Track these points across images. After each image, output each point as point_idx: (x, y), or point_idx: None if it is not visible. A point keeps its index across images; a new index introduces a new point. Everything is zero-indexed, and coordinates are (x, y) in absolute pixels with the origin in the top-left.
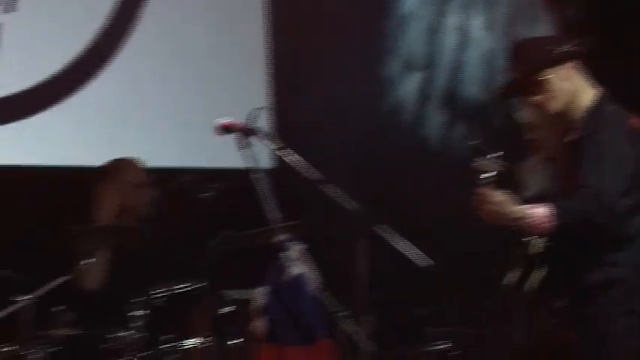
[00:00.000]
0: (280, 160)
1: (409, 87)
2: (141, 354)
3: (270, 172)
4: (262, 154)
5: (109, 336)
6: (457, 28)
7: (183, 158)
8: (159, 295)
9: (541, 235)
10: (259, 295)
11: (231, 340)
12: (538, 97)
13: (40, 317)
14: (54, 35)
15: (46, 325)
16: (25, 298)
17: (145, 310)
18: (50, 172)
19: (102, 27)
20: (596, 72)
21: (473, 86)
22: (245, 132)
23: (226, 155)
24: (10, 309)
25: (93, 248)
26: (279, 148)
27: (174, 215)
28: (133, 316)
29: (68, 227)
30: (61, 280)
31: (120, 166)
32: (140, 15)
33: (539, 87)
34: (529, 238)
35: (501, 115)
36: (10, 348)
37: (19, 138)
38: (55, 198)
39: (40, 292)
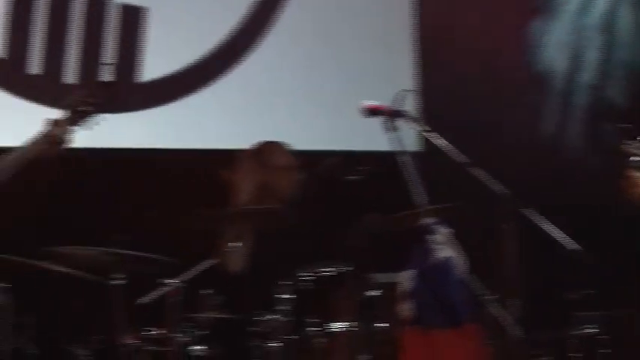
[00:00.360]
0: (427, 143)
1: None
2: (287, 337)
3: (416, 155)
4: (409, 137)
5: (256, 319)
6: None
7: (330, 141)
8: (305, 279)
9: None
10: (406, 278)
11: (376, 324)
12: None
13: (188, 301)
14: (201, 19)
15: (194, 308)
16: (173, 282)
17: (292, 293)
18: (195, 156)
19: (249, 11)
20: None
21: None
22: (392, 114)
23: (373, 138)
24: (159, 292)
25: (239, 232)
26: (426, 131)
27: (320, 198)
28: (280, 299)
29: (214, 210)
30: (208, 263)
31: (267, 149)
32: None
33: None
34: None
35: None
36: (159, 331)
37: (166, 122)
38: (201, 181)
39: (189, 275)
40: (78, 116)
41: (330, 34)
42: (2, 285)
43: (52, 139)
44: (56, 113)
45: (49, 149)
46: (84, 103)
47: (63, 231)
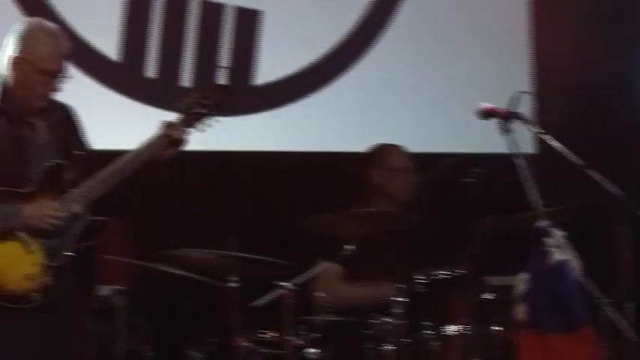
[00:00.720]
0: (542, 145)
1: None
2: (401, 340)
3: (531, 157)
4: (524, 139)
5: (370, 322)
6: None
7: (446, 143)
8: (420, 282)
9: None
10: (521, 281)
11: (491, 327)
12: None
13: (302, 303)
14: (315, 22)
15: (308, 311)
16: (288, 284)
17: (406, 296)
18: (311, 158)
19: (363, 13)
20: None
21: None
22: (507, 116)
23: (489, 140)
24: (274, 295)
25: (355, 234)
26: (541, 133)
27: (436, 201)
28: (394, 302)
29: (330, 213)
30: (322, 266)
31: (385, 151)
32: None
33: None
34: None
35: None
36: (273, 334)
37: (281, 124)
38: (314, 184)
39: (303, 278)
40: (192, 119)
41: (447, 35)
42: (117, 287)
43: (166, 141)
44: (171, 116)
45: (164, 152)
46: (199, 106)
47: (178, 234)
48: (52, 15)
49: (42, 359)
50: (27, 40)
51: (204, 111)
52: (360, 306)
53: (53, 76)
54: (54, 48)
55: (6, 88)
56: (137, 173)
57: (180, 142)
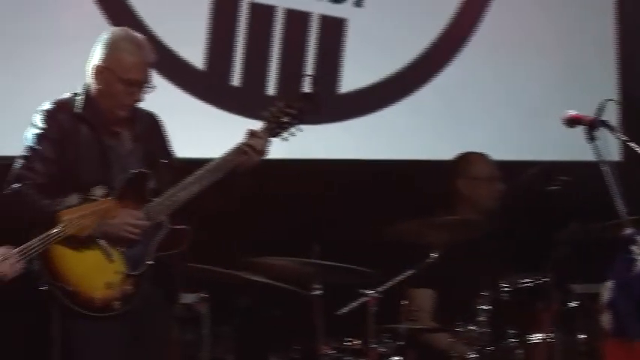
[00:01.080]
0: (628, 153)
1: None
2: (486, 348)
3: (618, 165)
4: (610, 147)
5: (454, 330)
6: None
7: (530, 151)
8: (505, 289)
9: None
10: (606, 289)
11: (576, 335)
12: None
13: (386, 311)
14: (399, 31)
15: (392, 319)
16: (372, 292)
17: (491, 304)
18: (394, 167)
19: (448, 22)
20: None
21: None
22: (593, 124)
23: (574, 148)
24: (358, 303)
25: (439, 242)
26: (627, 141)
27: (521, 209)
28: (479, 310)
29: (413, 221)
30: (406, 274)
31: (470, 160)
32: (487, 8)
33: None
34: None
35: None
36: (357, 342)
37: (365, 133)
38: (397, 192)
39: (387, 286)
40: (277, 128)
41: (532, 43)
42: (201, 295)
43: (249, 150)
44: (256, 124)
45: (247, 161)
46: (283, 115)
47: (261, 241)
48: (138, 24)
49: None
50: (111, 49)
51: (288, 120)
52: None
53: (136, 85)
54: (138, 57)
55: (90, 97)
56: (220, 181)
57: (263, 151)
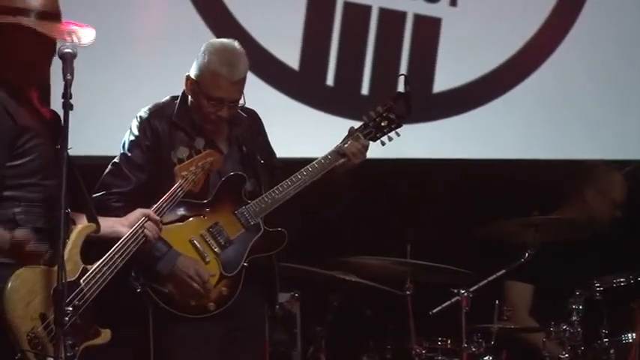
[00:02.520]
0: None
1: None
2: (580, 348)
3: None
4: None
5: (548, 329)
6: None
7: (625, 150)
8: (599, 289)
9: None
10: None
11: None
12: None
13: (478, 311)
14: (493, 30)
15: (484, 318)
16: (464, 292)
17: (584, 303)
18: (489, 166)
19: (543, 21)
20: None
21: None
22: None
23: None
24: (450, 302)
25: (534, 242)
26: None
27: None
28: (573, 309)
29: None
30: (499, 273)
31: (608, 175)
32: (582, 7)
33: None
34: None
35: None
36: (449, 342)
37: (460, 132)
38: (492, 191)
39: (480, 285)
40: (376, 132)
41: (626, 41)
42: (293, 294)
43: (349, 152)
44: (350, 124)
45: (347, 163)
46: (383, 119)
47: (355, 241)
48: (234, 25)
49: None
50: (203, 63)
51: (387, 125)
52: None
53: (221, 103)
54: (226, 77)
55: (185, 104)
56: (317, 183)
57: (363, 154)
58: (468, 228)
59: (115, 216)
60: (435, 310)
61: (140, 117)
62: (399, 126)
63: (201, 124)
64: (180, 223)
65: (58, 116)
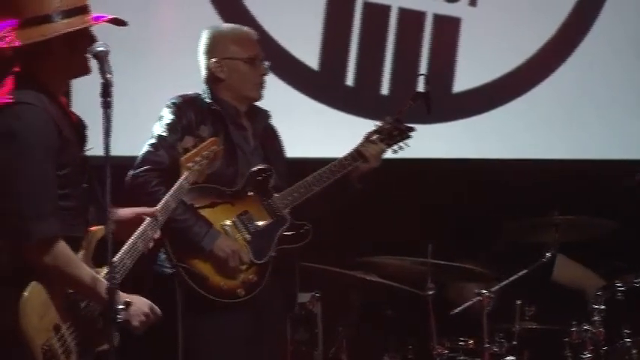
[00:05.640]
0: None
1: None
2: (601, 348)
3: None
4: None
5: (569, 330)
6: None
7: None
8: (619, 289)
9: None
10: None
11: None
12: None
13: (500, 311)
14: (513, 29)
15: (506, 318)
16: (486, 292)
17: (606, 303)
18: (508, 166)
19: (563, 21)
20: None
21: None
22: None
23: None
24: (471, 302)
25: (559, 241)
26: None
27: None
28: (595, 309)
29: (530, 219)
30: (520, 273)
31: None
32: (602, 6)
33: None
34: None
35: None
36: (470, 342)
37: (480, 131)
38: (511, 191)
39: (501, 285)
40: (388, 139)
41: None
42: (314, 294)
43: (368, 155)
44: (370, 124)
45: (364, 165)
46: (394, 129)
47: (375, 241)
48: (253, 24)
49: (244, 351)
50: (218, 41)
51: (398, 134)
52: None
53: (257, 60)
54: (245, 37)
55: (214, 95)
56: (336, 182)
57: (379, 158)
58: (489, 228)
59: (155, 194)
60: (456, 310)
61: (172, 103)
62: (409, 137)
63: (246, 98)
64: (211, 209)
65: (83, 121)
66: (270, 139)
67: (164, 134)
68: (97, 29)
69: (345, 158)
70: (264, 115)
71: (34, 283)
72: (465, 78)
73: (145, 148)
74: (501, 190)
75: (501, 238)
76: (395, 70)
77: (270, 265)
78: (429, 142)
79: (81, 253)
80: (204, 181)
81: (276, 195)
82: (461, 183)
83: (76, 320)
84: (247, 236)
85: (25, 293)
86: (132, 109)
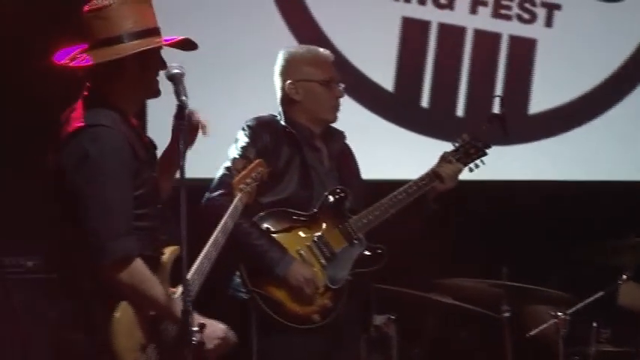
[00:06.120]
0: None
1: None
2: None
3: None
4: None
5: None
6: None
7: None
8: None
9: None
10: None
11: None
12: None
13: (576, 333)
14: (589, 50)
15: (581, 341)
16: (561, 314)
17: None
18: (586, 187)
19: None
20: None
21: None
22: None
23: None
24: (547, 324)
25: (632, 263)
26: None
27: None
28: None
29: (606, 242)
30: (596, 296)
31: None
32: None
33: None
34: None
35: None
36: None
37: (556, 153)
38: (590, 212)
39: (578, 307)
40: (464, 158)
41: None
42: (389, 316)
43: (444, 176)
44: (445, 146)
45: (440, 186)
46: (471, 147)
47: (451, 263)
48: (329, 47)
49: None
50: (293, 63)
51: (475, 152)
52: None
53: (333, 82)
54: (321, 58)
55: (289, 118)
56: (412, 204)
57: (456, 178)
58: (565, 249)
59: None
60: (532, 333)
61: (248, 126)
62: (485, 154)
63: (321, 121)
64: (287, 233)
65: (153, 142)
66: (345, 159)
67: (239, 155)
68: (174, 52)
69: (422, 179)
70: (340, 136)
71: (124, 304)
72: (541, 99)
73: (221, 171)
74: (578, 212)
75: (577, 260)
76: (470, 92)
77: (345, 289)
78: (506, 163)
79: (158, 273)
80: (281, 205)
81: (351, 218)
82: (537, 204)
83: (159, 340)
84: (323, 261)
85: (117, 314)
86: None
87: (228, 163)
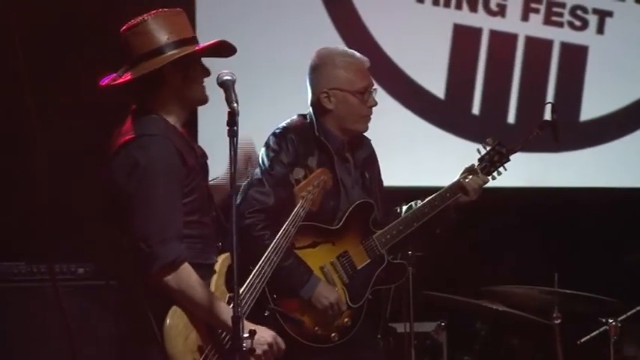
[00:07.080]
0: None
1: None
2: None
3: None
4: None
5: None
6: None
7: None
8: None
9: None
10: None
11: None
12: None
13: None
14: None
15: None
16: (612, 321)
17: None
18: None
19: None
20: None
21: None
22: None
23: None
24: (598, 332)
25: None
26: None
27: None
28: None
29: None
30: None
31: None
32: None
33: None
34: None
35: None
36: None
37: (607, 160)
38: (638, 219)
39: (629, 314)
40: (489, 166)
41: None
42: (440, 323)
43: (469, 188)
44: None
45: (464, 198)
46: (495, 153)
47: (501, 270)
48: (381, 55)
49: None
50: (328, 70)
51: (499, 158)
52: None
53: (367, 92)
54: (356, 66)
55: (320, 125)
56: (434, 217)
57: (480, 190)
58: (616, 256)
59: (258, 239)
60: (583, 340)
61: (279, 132)
62: (508, 160)
63: (351, 129)
64: (312, 249)
65: (203, 151)
66: (370, 167)
67: (270, 169)
68: (225, 60)
69: (447, 191)
70: (367, 143)
71: (174, 308)
72: (593, 106)
73: (251, 182)
74: (629, 218)
75: (628, 267)
76: (521, 99)
77: (364, 307)
78: (557, 170)
79: (213, 279)
80: (305, 219)
81: (376, 233)
82: (587, 211)
83: (217, 342)
84: (345, 279)
85: (167, 320)
86: (258, 137)
87: (259, 175)
